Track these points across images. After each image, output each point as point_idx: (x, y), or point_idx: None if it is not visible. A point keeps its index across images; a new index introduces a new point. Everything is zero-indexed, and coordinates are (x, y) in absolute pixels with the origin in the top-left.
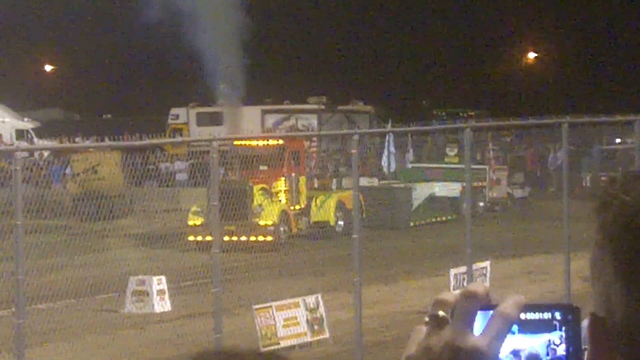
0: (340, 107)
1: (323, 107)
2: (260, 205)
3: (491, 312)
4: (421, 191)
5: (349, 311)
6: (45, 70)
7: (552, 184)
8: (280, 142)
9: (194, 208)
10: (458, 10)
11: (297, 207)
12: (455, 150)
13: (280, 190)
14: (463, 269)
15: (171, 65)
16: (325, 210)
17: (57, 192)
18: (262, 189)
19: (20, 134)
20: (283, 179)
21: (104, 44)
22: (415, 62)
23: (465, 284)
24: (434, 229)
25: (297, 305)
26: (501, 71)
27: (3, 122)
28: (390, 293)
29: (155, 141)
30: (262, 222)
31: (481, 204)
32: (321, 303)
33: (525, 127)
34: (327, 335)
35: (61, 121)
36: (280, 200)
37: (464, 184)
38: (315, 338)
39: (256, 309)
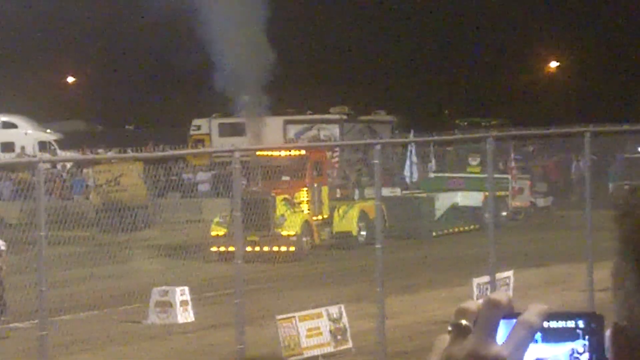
0: (362, 117)
1: (345, 117)
2: (282, 215)
3: (514, 320)
4: (444, 201)
5: (372, 321)
6: (67, 82)
7: (575, 193)
8: (303, 152)
9: (216, 219)
10: (480, 19)
11: (320, 217)
12: (478, 160)
13: (303, 201)
14: (486, 278)
15: (193, 76)
16: (348, 220)
17: (80, 204)
18: (285, 199)
19: (43, 145)
20: (305, 189)
21: (126, 55)
22: (438, 71)
23: (488, 293)
24: (456, 239)
25: (320, 315)
26: (523, 80)
27: (26, 134)
28: (413, 303)
29: (177, 152)
30: (284, 233)
31: (504, 213)
32: (344, 313)
33: (547, 136)
34: (350, 345)
35: (84, 132)
36: (302, 211)
37: (487, 194)
38: (339, 348)
39: (279, 320)
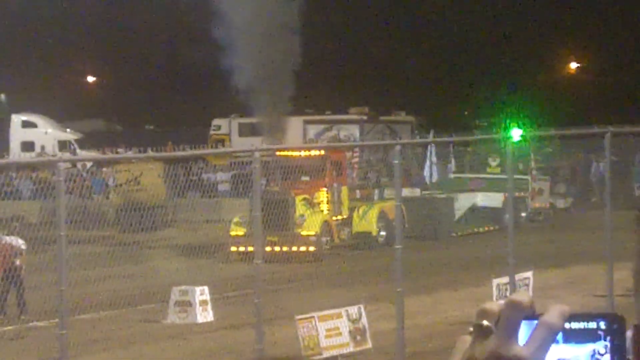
0: (382, 118)
1: (365, 117)
2: (302, 215)
3: (536, 321)
4: (463, 201)
5: (391, 321)
6: (87, 82)
7: (595, 194)
8: (322, 152)
9: (236, 219)
10: (499, 20)
11: (339, 217)
12: (498, 161)
13: (322, 201)
14: (505, 279)
15: (213, 76)
16: (368, 220)
17: (100, 203)
18: (304, 199)
19: (63, 145)
20: (325, 189)
21: (145, 54)
22: (457, 72)
23: (507, 294)
24: (476, 240)
25: (339, 315)
26: (543, 81)
27: (46, 133)
28: (433, 303)
29: (197, 152)
30: (304, 233)
31: (523, 214)
32: (364, 313)
33: (568, 137)
34: (369, 345)
35: (103, 132)
36: (322, 211)
37: (507, 194)
38: (358, 348)
39: (299, 320)
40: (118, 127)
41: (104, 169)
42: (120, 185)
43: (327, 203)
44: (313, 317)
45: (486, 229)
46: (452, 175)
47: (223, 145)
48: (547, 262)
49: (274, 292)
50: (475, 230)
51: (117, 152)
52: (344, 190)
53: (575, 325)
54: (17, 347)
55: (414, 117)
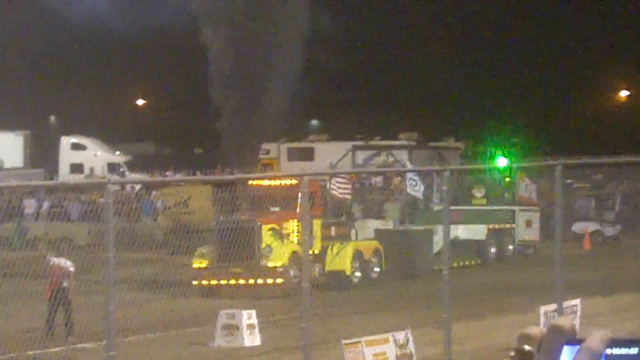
0: (431, 144)
1: (414, 143)
2: (268, 246)
3: (578, 346)
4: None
5: (438, 347)
6: (137, 105)
7: None
8: (294, 182)
9: (199, 250)
10: (550, 48)
11: (310, 252)
12: (483, 192)
13: (292, 232)
14: (553, 306)
15: (262, 101)
16: (341, 259)
17: (148, 225)
18: (272, 229)
19: (112, 167)
20: (295, 220)
21: (195, 78)
22: (505, 99)
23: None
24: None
25: (386, 340)
26: (593, 109)
27: (95, 155)
28: (477, 329)
29: (245, 176)
30: (270, 264)
31: (511, 247)
32: (411, 339)
33: (615, 164)
34: None
35: (153, 155)
36: (292, 242)
37: (490, 226)
38: None
39: (345, 344)
40: (167, 150)
41: (153, 192)
42: (169, 207)
43: (298, 235)
44: (360, 341)
45: (467, 263)
46: (435, 208)
47: (271, 169)
48: (594, 289)
49: (318, 317)
50: (455, 264)
51: (165, 175)
52: (317, 223)
53: (616, 350)
54: None
55: (463, 143)
